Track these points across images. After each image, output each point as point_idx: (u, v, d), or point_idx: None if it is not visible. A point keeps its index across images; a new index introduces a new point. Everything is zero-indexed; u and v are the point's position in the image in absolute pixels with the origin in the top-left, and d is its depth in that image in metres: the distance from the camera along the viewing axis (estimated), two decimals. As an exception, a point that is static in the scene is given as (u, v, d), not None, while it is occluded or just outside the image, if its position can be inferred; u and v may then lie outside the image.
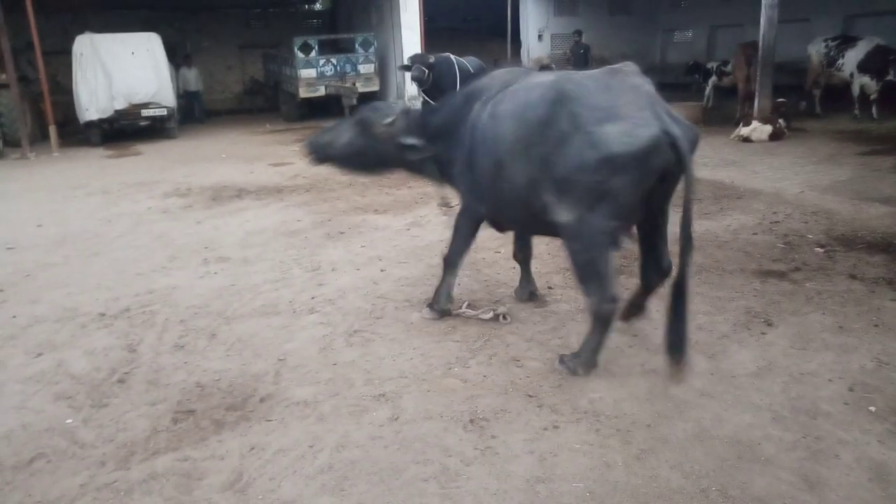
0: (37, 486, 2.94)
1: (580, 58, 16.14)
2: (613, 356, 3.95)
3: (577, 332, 4.28)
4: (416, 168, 4.48)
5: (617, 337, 4.18)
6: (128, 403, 3.64)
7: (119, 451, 3.19)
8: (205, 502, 2.80)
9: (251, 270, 5.87)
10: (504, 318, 4.49)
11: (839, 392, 3.47)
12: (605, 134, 3.25)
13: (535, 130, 3.49)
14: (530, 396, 3.56)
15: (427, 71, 11.11)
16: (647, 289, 4.00)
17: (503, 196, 3.86)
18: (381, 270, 5.64)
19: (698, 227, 6.55)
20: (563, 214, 3.49)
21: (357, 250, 6.30)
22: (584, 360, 3.77)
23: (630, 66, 3.60)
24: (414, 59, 11.42)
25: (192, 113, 18.83)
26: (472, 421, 3.34)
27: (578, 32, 17.04)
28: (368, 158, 4.46)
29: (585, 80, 3.50)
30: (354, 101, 17.95)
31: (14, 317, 4.92)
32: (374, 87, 17.67)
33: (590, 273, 3.59)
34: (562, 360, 3.85)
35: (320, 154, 4.54)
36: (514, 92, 3.78)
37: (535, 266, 5.37)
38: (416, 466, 3.00)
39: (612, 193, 3.34)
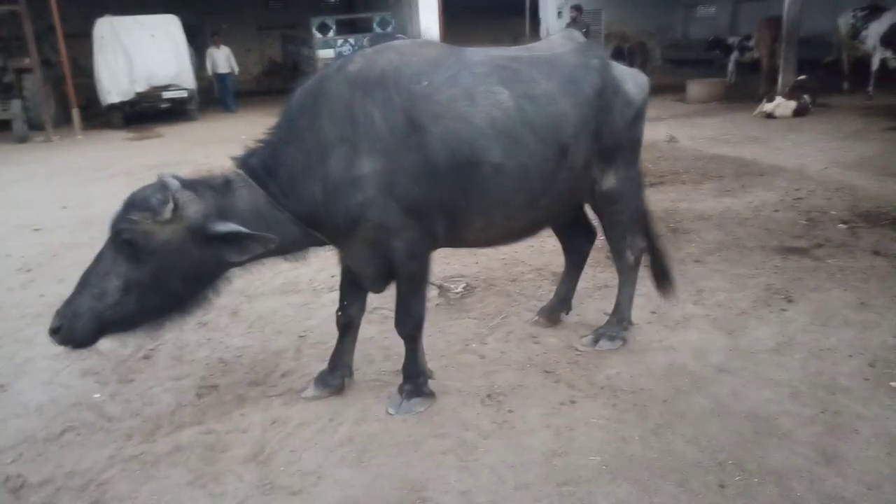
0: (67, 458, 3.03)
1: None
2: (631, 332, 3.95)
3: (594, 308, 4.30)
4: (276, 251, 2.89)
5: (636, 313, 4.18)
6: (153, 379, 3.73)
7: (145, 425, 3.28)
8: (228, 473, 2.88)
9: (271, 250, 5.92)
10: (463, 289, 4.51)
11: (859, 368, 3.45)
12: (631, 88, 3.48)
13: (591, 104, 3.27)
14: (547, 372, 3.58)
15: None
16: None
17: (542, 191, 3.22)
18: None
19: (719, 204, 6.51)
20: (609, 181, 3.50)
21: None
22: (623, 319, 3.87)
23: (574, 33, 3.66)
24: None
25: (222, 97, 16.93)
26: (489, 396, 3.37)
27: (577, 7, 14.11)
28: (172, 292, 2.71)
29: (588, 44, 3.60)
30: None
31: (42, 295, 5.03)
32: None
33: (630, 226, 3.74)
34: (598, 338, 3.81)
35: (87, 333, 2.64)
36: (527, 67, 3.18)
37: (549, 244, 5.38)
38: (434, 440, 3.04)
39: (639, 143, 3.66)
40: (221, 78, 16.86)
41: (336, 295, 4.76)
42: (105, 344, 4.12)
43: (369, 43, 14.02)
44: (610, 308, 3.99)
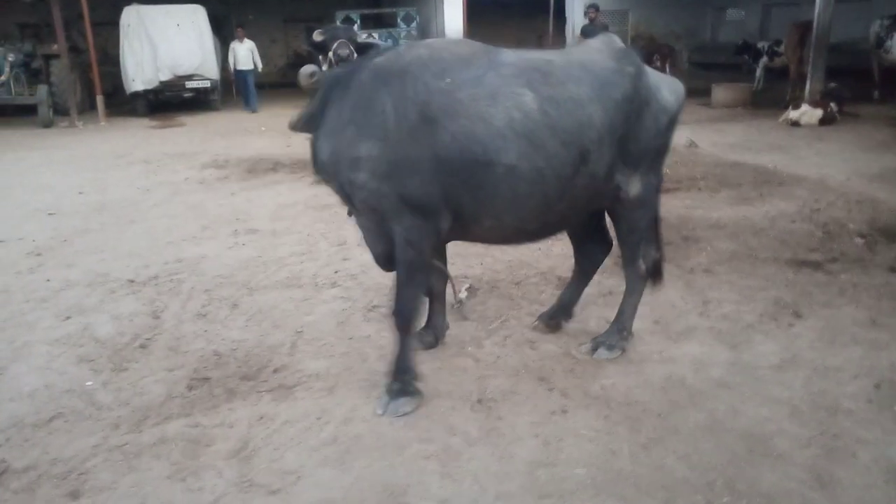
0: (53, 445, 3.04)
1: None
2: (631, 342, 3.87)
3: (595, 315, 4.22)
4: None
5: (637, 322, 4.09)
6: (147, 369, 3.73)
7: (133, 415, 3.27)
8: (209, 468, 2.86)
9: (278, 243, 5.93)
10: (467, 293, 4.53)
11: (864, 389, 3.34)
12: (666, 95, 3.46)
13: (621, 109, 3.23)
14: (541, 379, 3.51)
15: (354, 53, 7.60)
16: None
17: (558, 195, 3.19)
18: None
19: (735, 212, 6.38)
20: (635, 187, 3.45)
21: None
22: (624, 328, 3.79)
23: (613, 38, 3.65)
24: (335, 32, 7.04)
25: (243, 95, 16.05)
26: (479, 401, 3.32)
27: (594, 7, 13.09)
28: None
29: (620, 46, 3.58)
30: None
31: (48, 280, 5.08)
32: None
33: (642, 235, 3.68)
34: (596, 346, 3.74)
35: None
36: (558, 71, 3.17)
37: (557, 248, 5.31)
38: (420, 444, 3.00)
39: (667, 150, 3.63)
40: (243, 74, 15.70)
41: (337, 291, 4.78)
42: (104, 330, 4.21)
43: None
44: (612, 316, 3.91)
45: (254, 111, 15.61)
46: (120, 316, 4.42)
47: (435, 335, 3.88)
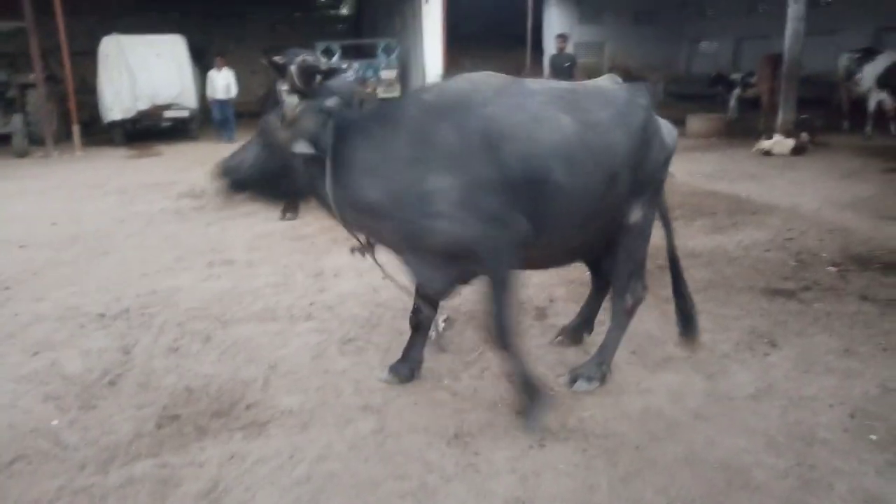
0: (13, 489, 2.93)
1: (563, 72, 12.11)
2: (609, 374, 3.86)
3: (574, 347, 4.20)
4: (321, 198, 3.32)
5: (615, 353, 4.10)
6: (115, 406, 3.64)
7: (100, 455, 3.18)
8: (178, 510, 2.78)
9: (254, 274, 5.87)
10: (444, 324, 4.49)
11: (839, 418, 3.35)
12: (665, 134, 3.66)
13: (637, 137, 3.44)
14: (519, 412, 3.48)
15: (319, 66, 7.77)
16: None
17: (594, 214, 3.38)
18: (383, 278, 5.59)
19: (710, 241, 6.44)
20: (636, 214, 3.59)
21: (361, 257, 6.26)
22: (604, 362, 3.80)
23: (615, 77, 3.80)
24: (296, 54, 6.99)
25: (219, 125, 15.22)
26: (456, 436, 3.27)
27: (562, 37, 13.22)
28: (276, 180, 3.38)
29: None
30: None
31: (16, 314, 4.96)
32: (396, 93, 17.71)
33: (641, 265, 3.79)
34: (575, 378, 3.74)
35: (231, 181, 3.40)
36: (582, 98, 3.38)
37: (535, 278, 5.31)
38: (395, 481, 2.94)
39: (663, 186, 3.78)
40: (220, 105, 15.11)
41: (313, 324, 4.73)
42: (72, 366, 4.10)
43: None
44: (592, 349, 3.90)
45: (230, 140, 14.81)
46: (89, 351, 4.32)
47: (411, 368, 3.85)
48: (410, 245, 3.23)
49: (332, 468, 3.05)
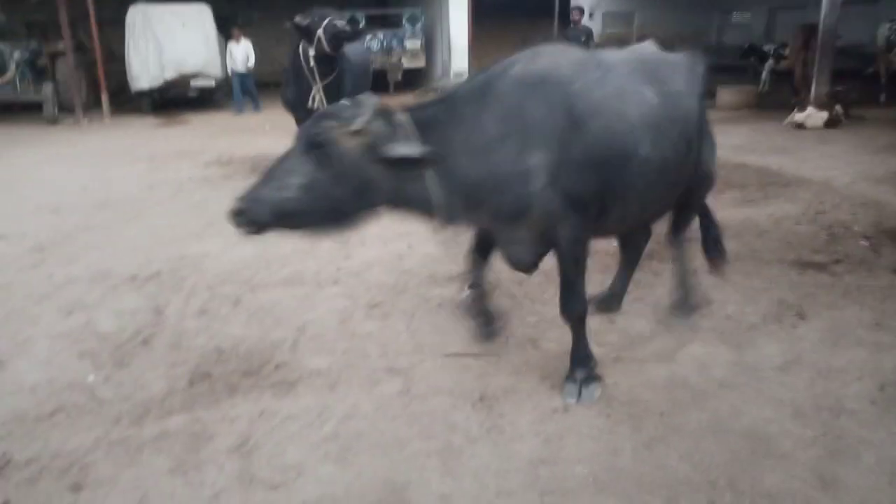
0: (54, 438, 3.04)
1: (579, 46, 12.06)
2: (634, 342, 3.87)
3: (599, 317, 4.20)
4: (410, 199, 2.97)
5: (640, 323, 4.10)
6: (148, 364, 3.73)
7: (135, 409, 3.27)
8: (210, 463, 2.86)
9: (281, 241, 5.91)
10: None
11: (868, 390, 3.32)
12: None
13: (701, 101, 3.61)
14: (543, 378, 3.50)
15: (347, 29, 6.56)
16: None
17: (674, 182, 3.46)
18: (408, 246, 5.63)
19: (739, 214, 6.35)
20: (700, 175, 3.76)
21: (386, 224, 6.26)
22: (694, 294, 4.12)
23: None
24: (320, 13, 6.51)
25: (236, 97, 15.29)
26: (481, 399, 3.31)
27: (579, 10, 12.52)
28: (339, 202, 2.82)
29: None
30: (399, 77, 17.98)
31: (51, 276, 5.08)
32: (420, 64, 17.60)
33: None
34: (689, 311, 4.07)
35: (264, 218, 2.77)
36: (653, 68, 3.41)
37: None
38: (421, 441, 2.99)
39: None
40: (240, 78, 15.22)
41: (339, 289, 4.78)
42: (106, 325, 4.21)
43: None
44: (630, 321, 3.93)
45: (256, 110, 15.35)
46: (122, 312, 4.42)
47: (498, 323, 3.87)
48: (508, 224, 3.12)
49: (359, 427, 3.11)
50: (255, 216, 2.76)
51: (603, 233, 3.72)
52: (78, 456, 2.91)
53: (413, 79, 18.26)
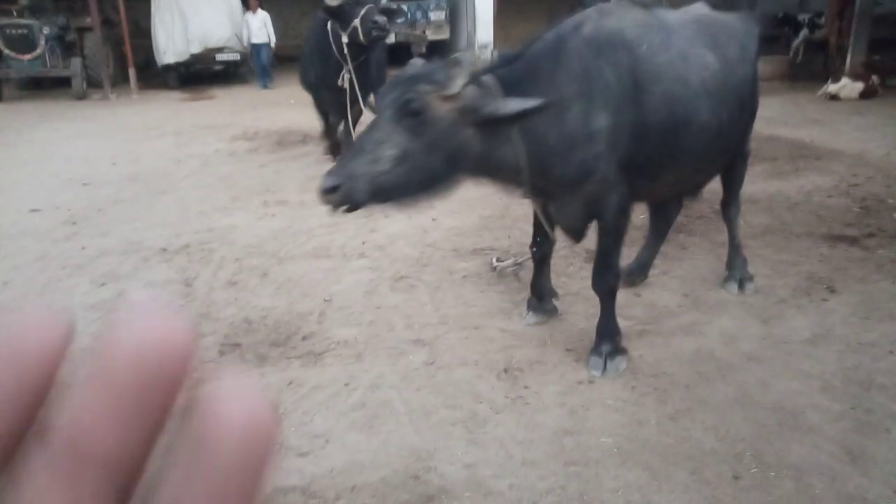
0: (90, 404, 3.13)
1: None
2: (660, 315, 3.85)
3: (625, 290, 4.18)
4: (498, 164, 2.86)
5: (666, 296, 4.07)
6: (179, 334, 3.80)
7: (167, 378, 3.35)
8: (241, 430, 2.92)
9: (307, 214, 5.96)
10: (518, 265, 4.42)
11: (899, 365, 3.28)
12: None
13: (755, 65, 3.60)
14: (568, 350, 3.51)
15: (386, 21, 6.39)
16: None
17: (727, 146, 3.50)
18: (433, 219, 5.63)
19: (770, 187, 6.24)
20: (748, 140, 3.86)
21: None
22: (744, 260, 4.17)
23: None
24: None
25: (262, 71, 14.99)
26: (506, 370, 3.33)
27: None
28: (431, 171, 2.67)
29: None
30: (423, 49, 17.81)
31: (83, 248, 5.19)
32: (445, 35, 17.39)
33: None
34: (741, 282, 4.10)
35: (362, 195, 2.59)
36: (713, 31, 3.37)
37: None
38: (446, 410, 3.03)
39: None
40: (257, 49, 14.80)
41: (365, 262, 4.81)
42: (138, 297, 4.29)
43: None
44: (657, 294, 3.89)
45: (265, 87, 14.88)
46: (153, 283, 4.51)
47: (552, 301, 3.86)
48: (569, 190, 3.04)
49: (385, 396, 3.15)
50: (351, 194, 2.56)
51: (653, 198, 3.79)
52: (114, 421, 2.99)
53: (437, 51, 18.09)
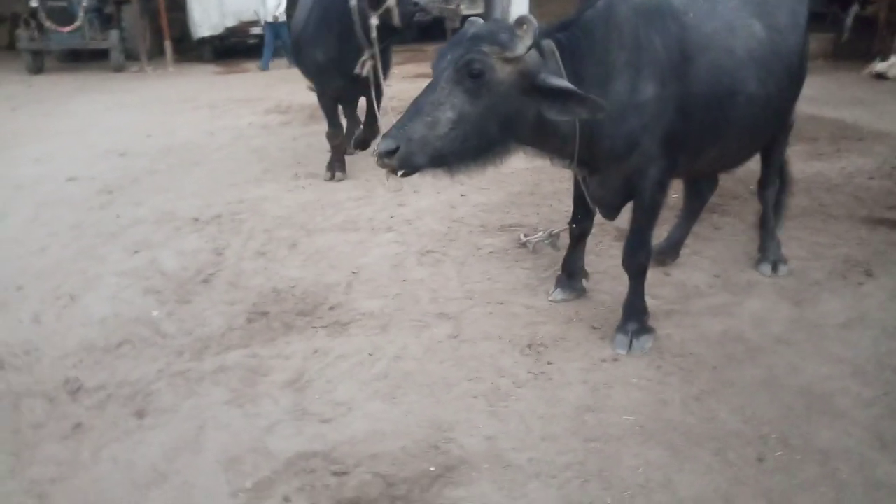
0: (120, 368, 3.21)
1: None
2: (689, 295, 3.79)
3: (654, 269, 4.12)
4: (552, 133, 2.81)
5: (695, 276, 4.01)
6: (208, 302, 3.87)
7: (195, 344, 3.42)
8: (265, 396, 2.97)
9: (337, 187, 5.99)
10: (553, 236, 4.33)
11: (937, 351, 3.18)
12: None
13: (805, 34, 3.50)
14: (594, 328, 3.48)
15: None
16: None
17: (773, 118, 3.43)
18: (461, 195, 5.60)
19: (809, 167, 6.07)
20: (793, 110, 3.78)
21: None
22: (777, 245, 4.06)
23: None
24: None
25: (285, 48, 13.60)
26: (529, 346, 3.32)
27: None
28: (487, 136, 2.65)
29: None
30: (458, 24, 17.60)
31: (118, 216, 5.29)
32: (479, 10, 17.13)
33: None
34: (765, 262, 4.00)
35: (419, 159, 2.58)
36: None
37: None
38: (468, 383, 3.03)
39: None
40: (271, 27, 13.90)
41: (392, 236, 4.82)
42: (169, 264, 4.37)
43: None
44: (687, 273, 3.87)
45: (263, 69, 14.01)
46: (184, 252, 4.58)
47: (581, 280, 3.81)
48: (613, 162, 2.99)
49: (408, 367, 3.17)
50: (409, 157, 2.54)
51: (694, 173, 3.70)
52: (142, 385, 3.07)
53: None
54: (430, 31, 17.11)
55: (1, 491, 2.46)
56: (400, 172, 2.60)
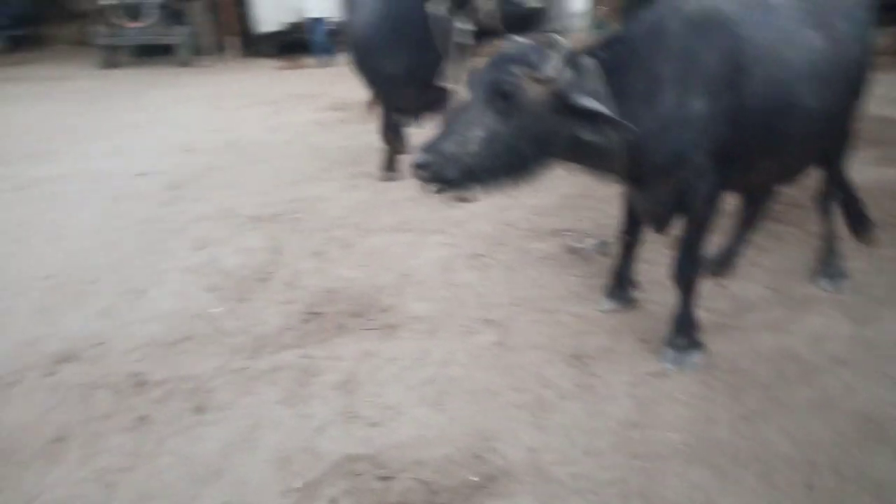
0: (182, 364, 3.38)
1: None
2: (744, 309, 3.72)
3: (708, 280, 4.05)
4: (591, 151, 2.81)
5: (749, 288, 3.93)
6: (265, 300, 4.02)
7: (252, 342, 3.56)
8: (317, 397, 3.08)
9: (391, 187, 6.08)
10: (604, 244, 4.30)
11: None
12: None
13: (866, 43, 3.37)
14: (642, 340, 3.46)
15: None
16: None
17: (831, 131, 3.38)
18: (512, 199, 5.61)
19: (877, 174, 5.83)
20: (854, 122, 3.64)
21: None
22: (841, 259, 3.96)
23: None
24: None
25: (320, 47, 13.98)
26: (575, 356, 3.33)
27: None
28: (520, 155, 2.71)
29: None
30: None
31: (183, 212, 5.52)
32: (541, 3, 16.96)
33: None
34: (833, 276, 3.90)
35: (451, 174, 2.65)
36: (819, 7, 3.16)
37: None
38: (513, 392, 3.07)
39: None
40: (313, 24, 13.89)
41: (442, 238, 4.88)
42: (230, 261, 4.55)
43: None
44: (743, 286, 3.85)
45: (320, 65, 13.99)
46: (244, 249, 4.75)
47: (632, 291, 3.80)
48: (661, 177, 2.97)
49: (454, 373, 3.23)
50: (441, 172, 2.63)
51: (746, 189, 3.64)
52: (202, 381, 3.23)
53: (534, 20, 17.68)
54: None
55: (73, 478, 2.64)
56: (435, 188, 2.70)
